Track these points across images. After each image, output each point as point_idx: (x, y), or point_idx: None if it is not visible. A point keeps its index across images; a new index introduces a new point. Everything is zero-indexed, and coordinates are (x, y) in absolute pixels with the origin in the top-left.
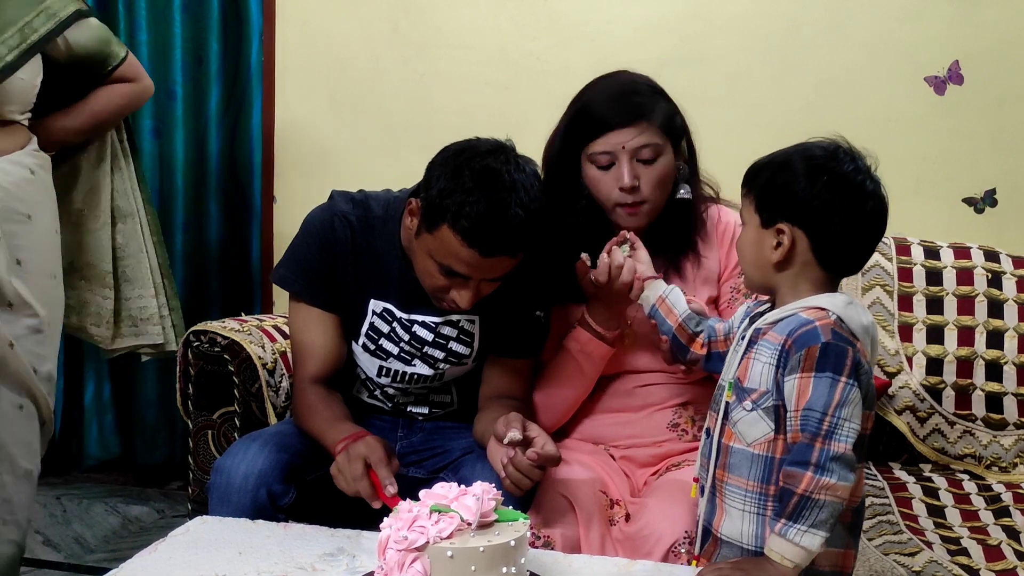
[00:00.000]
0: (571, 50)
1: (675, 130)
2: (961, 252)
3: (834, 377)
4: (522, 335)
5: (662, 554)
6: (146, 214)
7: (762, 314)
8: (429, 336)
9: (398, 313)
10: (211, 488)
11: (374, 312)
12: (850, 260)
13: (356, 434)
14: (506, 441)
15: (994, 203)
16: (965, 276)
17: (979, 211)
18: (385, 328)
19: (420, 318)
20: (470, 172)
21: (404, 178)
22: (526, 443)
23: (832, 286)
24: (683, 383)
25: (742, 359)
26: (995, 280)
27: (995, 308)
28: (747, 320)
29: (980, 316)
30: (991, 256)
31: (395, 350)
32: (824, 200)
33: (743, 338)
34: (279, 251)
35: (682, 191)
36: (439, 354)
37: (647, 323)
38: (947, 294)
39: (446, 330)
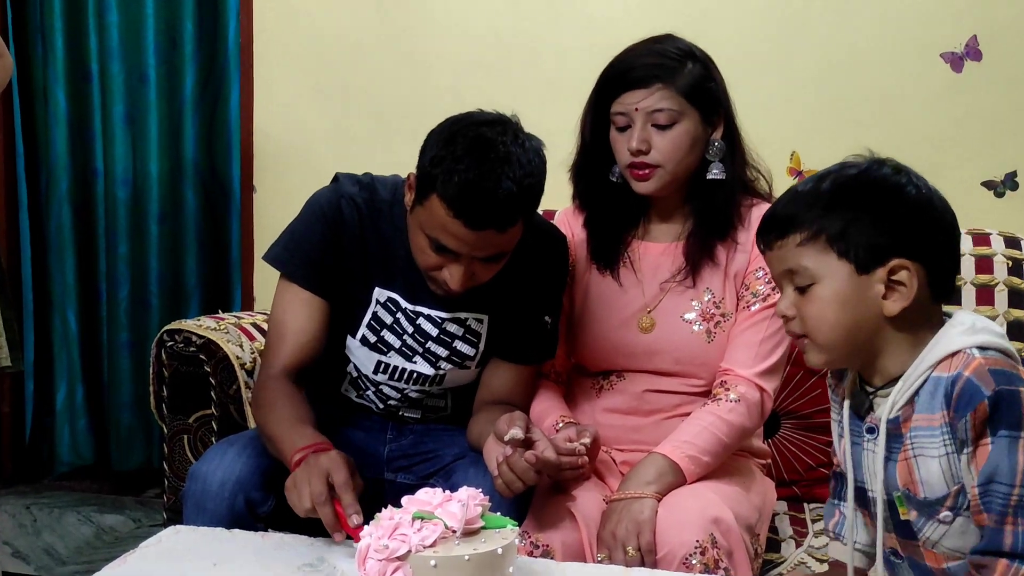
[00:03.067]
0: (567, 31)
1: (703, 99)
2: (980, 238)
3: (1012, 435)
4: (528, 340)
5: (674, 568)
6: None
7: (868, 394)
8: (434, 331)
9: (403, 303)
10: (186, 496)
11: (378, 301)
12: (953, 280)
13: (317, 445)
14: (507, 439)
15: (1015, 186)
16: (984, 264)
17: (999, 195)
18: (388, 319)
19: (426, 311)
20: (463, 140)
21: (393, 167)
22: (527, 444)
23: (941, 317)
24: (697, 393)
25: (889, 462)
26: (1016, 268)
27: (1016, 298)
28: (847, 404)
29: (1000, 306)
30: (1012, 243)
31: (397, 343)
32: (928, 218)
33: (871, 434)
34: (259, 242)
35: (714, 171)
36: (442, 351)
37: (671, 317)
38: (965, 283)
39: (452, 327)
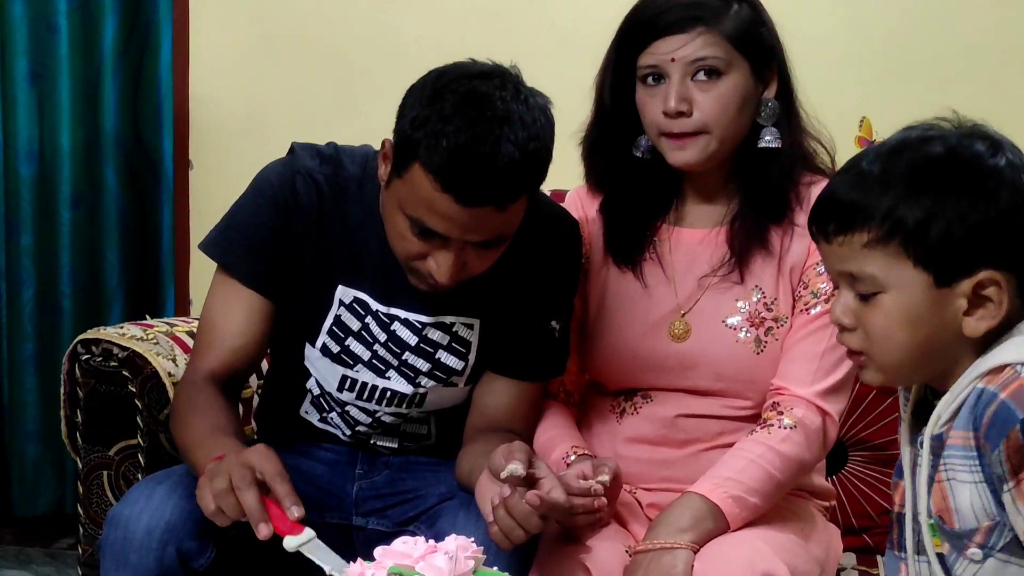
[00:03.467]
0: None
1: (753, 47)
2: None
3: None
4: (531, 350)
5: None
6: None
7: (927, 405)
8: (412, 339)
9: (374, 305)
10: (104, 546)
11: (342, 302)
12: None
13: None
14: (504, 475)
15: None
16: None
17: None
18: (355, 325)
19: (402, 314)
20: (452, 96)
21: (361, 136)
22: (529, 482)
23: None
24: (743, 418)
25: (931, 484)
26: None
27: None
28: (907, 413)
29: None
30: None
31: (366, 355)
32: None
33: (917, 446)
34: (197, 231)
35: (767, 138)
36: (423, 364)
37: (711, 321)
38: None
39: (435, 334)
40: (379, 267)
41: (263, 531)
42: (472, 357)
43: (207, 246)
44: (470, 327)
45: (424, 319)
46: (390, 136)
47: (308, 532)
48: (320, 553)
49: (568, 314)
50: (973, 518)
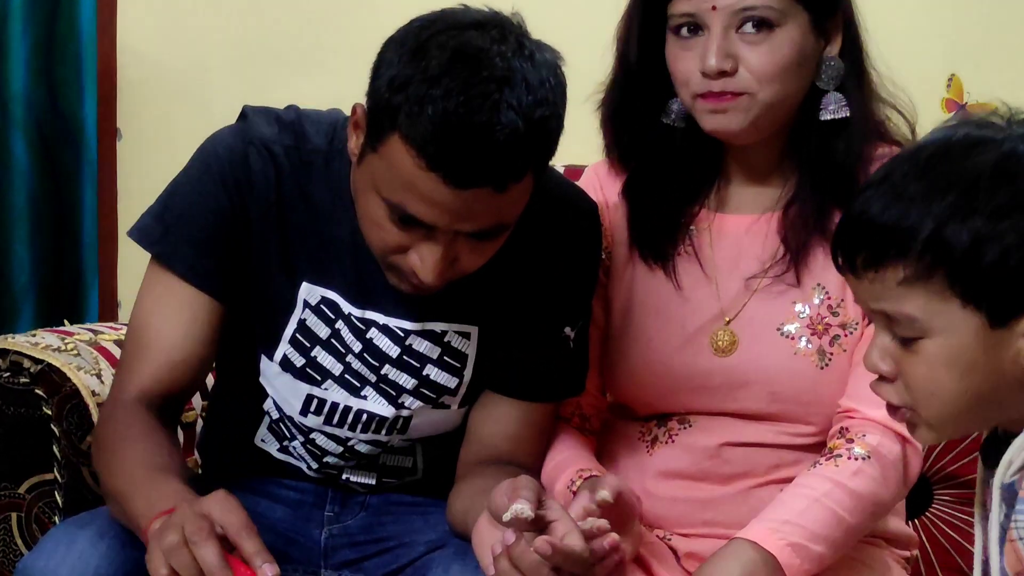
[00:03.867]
0: None
1: None
2: None
3: None
4: (541, 365)
5: None
6: None
7: (997, 442)
8: (393, 349)
9: (346, 308)
10: None
11: (307, 304)
12: None
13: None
14: (506, 518)
15: None
16: None
17: None
18: (324, 331)
19: (381, 319)
20: (440, 52)
21: (325, 101)
22: (539, 525)
23: None
24: (805, 447)
25: (1003, 536)
26: None
27: None
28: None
29: None
30: None
31: (337, 368)
32: None
33: (989, 489)
34: (126, 215)
35: (831, 107)
36: (407, 381)
37: (764, 330)
38: None
39: (422, 345)
40: (351, 260)
41: None
42: (468, 373)
43: (138, 233)
44: (466, 336)
45: (408, 326)
46: (362, 100)
47: None
48: None
49: (586, 318)
50: None
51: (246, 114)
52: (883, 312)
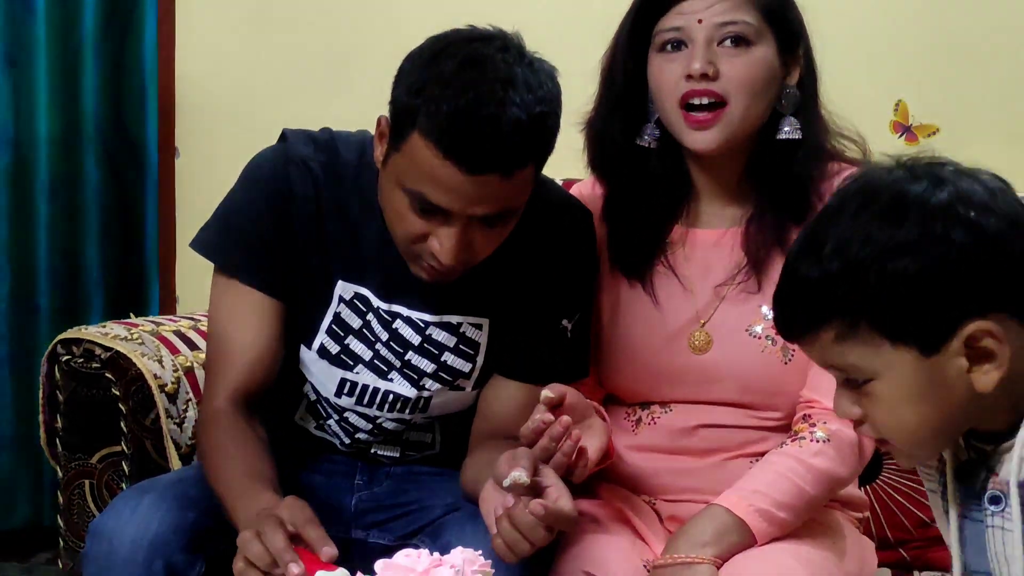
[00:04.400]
0: None
1: (782, 24)
2: None
3: None
4: (542, 351)
5: None
6: None
7: (981, 452)
8: (415, 338)
9: (375, 302)
10: (87, 560)
11: (342, 299)
12: None
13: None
14: (506, 484)
15: None
16: None
17: None
18: (356, 322)
19: (405, 311)
20: (451, 60)
21: (356, 123)
22: (534, 490)
23: None
24: (770, 428)
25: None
26: None
27: None
28: (950, 477)
29: None
30: None
31: (367, 355)
32: (999, 245)
33: (995, 504)
34: (183, 223)
35: (786, 128)
36: (427, 366)
37: (734, 331)
38: None
39: (441, 335)
40: (380, 261)
41: (293, 570)
42: (480, 359)
43: (201, 246)
44: (478, 327)
45: (428, 318)
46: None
47: (341, 571)
48: None
49: (584, 311)
50: None
51: (286, 136)
52: (832, 366)
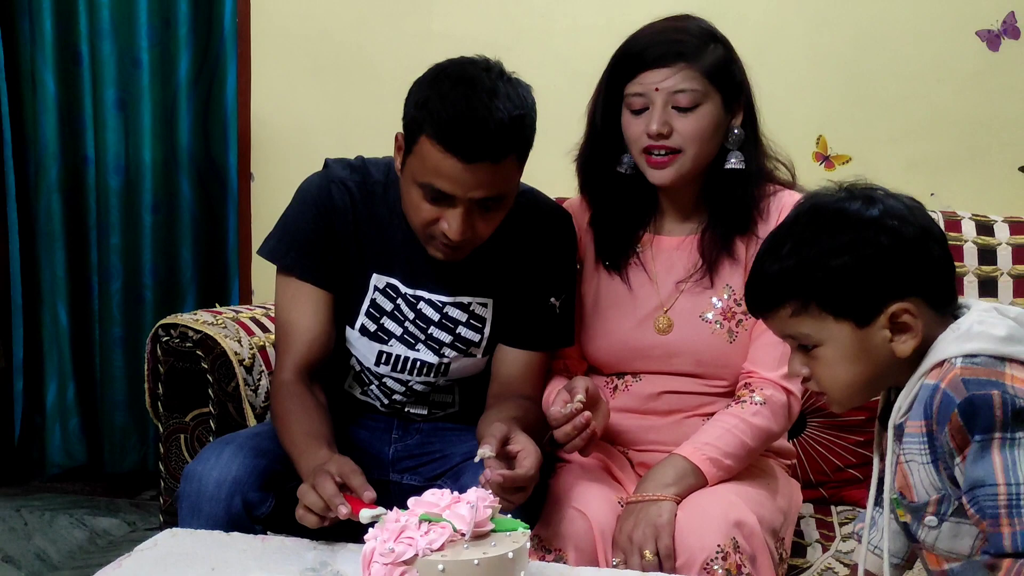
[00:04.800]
0: (581, 7)
1: (725, 82)
2: (1017, 226)
3: (984, 438)
4: (535, 323)
5: (694, 574)
6: None
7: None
8: (435, 315)
9: (403, 288)
10: (181, 497)
11: (376, 288)
12: (953, 286)
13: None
14: (476, 459)
15: None
16: (1022, 253)
17: None
18: (388, 306)
19: (426, 295)
20: (447, 79)
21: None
22: (507, 456)
23: (943, 320)
24: (718, 393)
25: (895, 468)
26: None
27: None
28: (878, 411)
29: None
30: None
31: (398, 331)
32: (914, 249)
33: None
34: (257, 233)
35: (732, 160)
36: (446, 337)
37: (690, 317)
38: (1002, 274)
39: (455, 312)
40: (405, 256)
41: (342, 511)
42: (487, 331)
43: (267, 253)
44: (484, 305)
45: (444, 299)
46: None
47: (380, 509)
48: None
49: (568, 292)
50: (925, 492)
51: (328, 163)
52: (788, 335)
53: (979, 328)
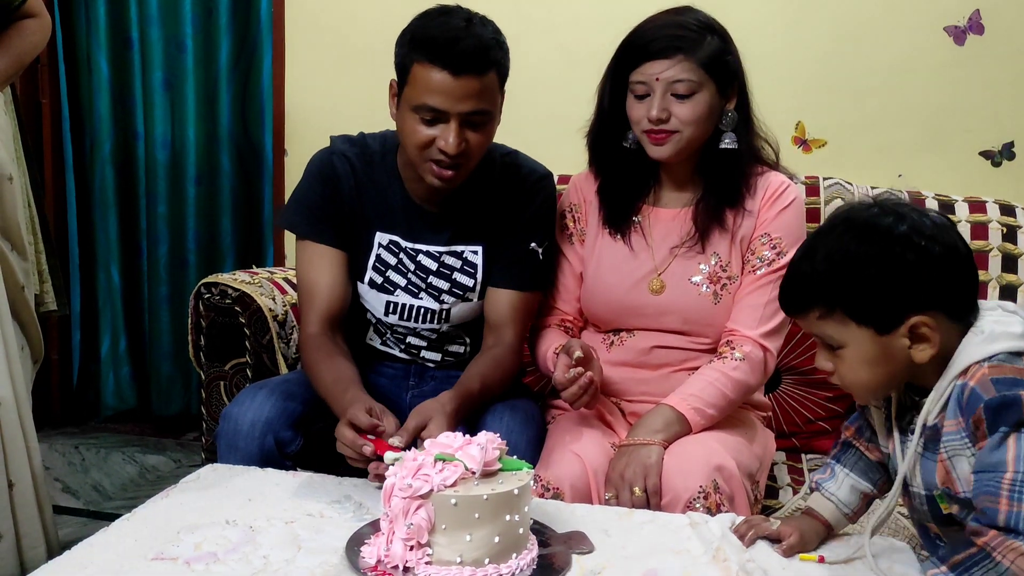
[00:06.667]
0: (584, 2)
1: (721, 71)
2: (976, 206)
3: (1004, 431)
4: (518, 266)
5: (678, 511)
6: (21, 174)
7: (911, 399)
8: (433, 265)
9: (404, 243)
10: (219, 435)
11: (380, 244)
12: (973, 302)
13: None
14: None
15: (1012, 156)
16: (980, 230)
17: (996, 164)
18: (392, 260)
19: (424, 247)
20: (428, 16)
21: None
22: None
23: (962, 328)
24: (704, 350)
25: (929, 462)
26: (1010, 234)
27: (1009, 262)
28: (891, 412)
29: (994, 271)
30: (1007, 210)
31: (402, 281)
32: (939, 266)
33: (906, 435)
34: None
35: (726, 141)
36: (444, 284)
37: (681, 279)
38: None
39: (450, 260)
40: (404, 214)
41: (367, 451)
42: (479, 275)
43: (285, 223)
44: (475, 252)
45: (441, 249)
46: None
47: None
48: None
49: (548, 240)
50: (969, 484)
51: (331, 139)
52: (816, 334)
53: (1000, 329)
